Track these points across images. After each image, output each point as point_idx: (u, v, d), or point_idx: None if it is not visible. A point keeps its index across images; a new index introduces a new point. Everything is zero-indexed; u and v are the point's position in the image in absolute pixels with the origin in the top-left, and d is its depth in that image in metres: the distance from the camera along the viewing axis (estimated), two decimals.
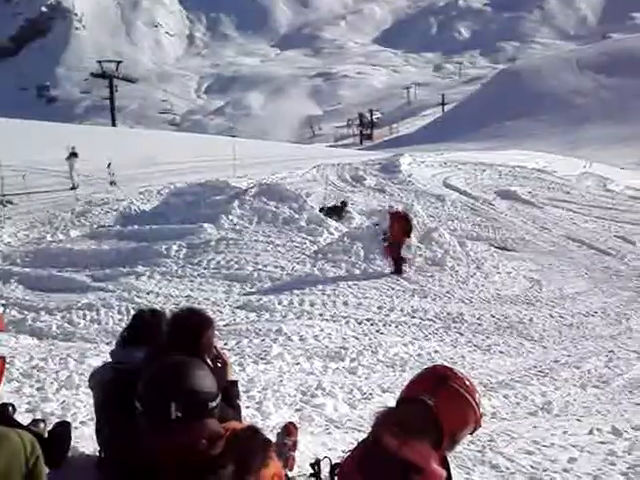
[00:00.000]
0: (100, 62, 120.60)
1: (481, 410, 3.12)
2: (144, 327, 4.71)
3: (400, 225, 18.64)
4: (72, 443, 4.76)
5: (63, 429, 4.61)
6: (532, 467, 6.86)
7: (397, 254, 18.46)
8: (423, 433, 2.96)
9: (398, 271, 18.22)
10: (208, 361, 4.10)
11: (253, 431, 2.76)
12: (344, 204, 24.63)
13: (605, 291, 19.28)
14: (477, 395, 3.12)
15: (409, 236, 18.94)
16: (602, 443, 7.98)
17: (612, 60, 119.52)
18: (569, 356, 13.61)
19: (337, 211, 23.78)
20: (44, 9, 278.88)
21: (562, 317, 16.37)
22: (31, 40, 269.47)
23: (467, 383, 3.12)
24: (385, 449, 2.90)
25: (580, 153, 63.87)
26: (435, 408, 3.00)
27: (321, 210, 23.07)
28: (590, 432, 8.41)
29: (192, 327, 4.19)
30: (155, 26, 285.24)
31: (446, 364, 11.75)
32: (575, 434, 8.35)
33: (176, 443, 2.58)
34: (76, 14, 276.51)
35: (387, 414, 3.09)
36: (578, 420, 9.48)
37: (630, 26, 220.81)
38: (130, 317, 5.32)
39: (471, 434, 3.16)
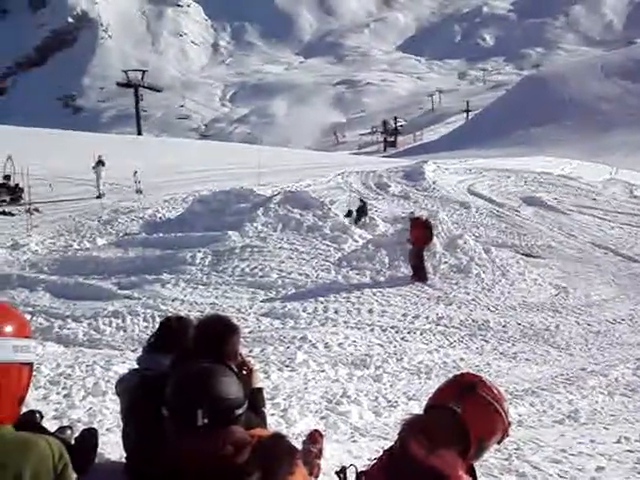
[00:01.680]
0: (126, 71, 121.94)
1: (509, 419, 3.09)
2: (171, 333, 4.72)
3: (420, 232, 18.58)
4: (99, 450, 4.78)
5: (90, 436, 4.64)
6: (559, 476, 6.80)
7: (417, 261, 18.41)
8: (450, 441, 2.94)
9: (419, 278, 18.17)
10: (234, 368, 4.12)
11: (279, 438, 2.76)
12: (362, 202, 24.72)
13: (632, 298, 19.10)
14: (505, 404, 3.10)
15: (429, 242, 18.85)
16: (630, 452, 7.90)
17: (638, 66, 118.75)
18: (596, 364, 13.49)
19: (360, 211, 23.91)
20: (70, 20, 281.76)
21: (589, 324, 16.24)
22: (57, 50, 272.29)
23: (495, 391, 3.09)
24: (412, 457, 2.89)
25: (606, 159, 63.47)
26: (463, 416, 2.98)
27: (347, 215, 23.17)
28: (618, 441, 8.33)
29: (218, 334, 4.19)
30: (180, 35, 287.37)
31: (473, 372, 11.69)
32: (603, 442, 8.28)
33: (202, 449, 2.59)
34: (102, 24, 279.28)
35: (414, 421, 3.07)
36: (606, 428, 9.39)
37: None
38: (155, 324, 5.34)
39: (498, 443, 3.14)
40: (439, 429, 2.97)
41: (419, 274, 18.22)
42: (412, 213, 20.20)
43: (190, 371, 2.77)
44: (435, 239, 19.72)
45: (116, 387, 4.94)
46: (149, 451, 3.09)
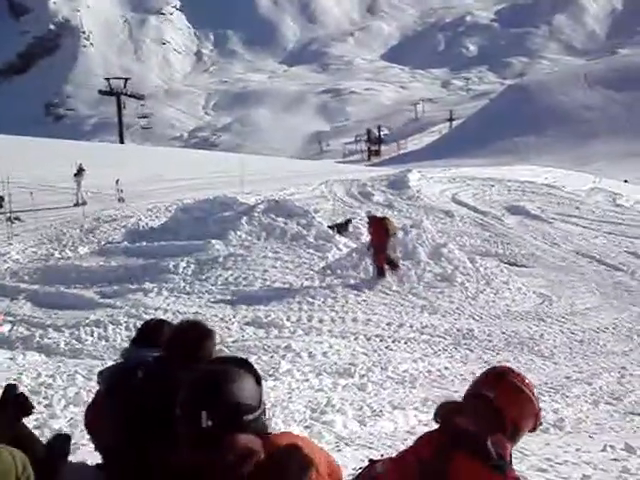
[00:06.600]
0: (108, 79, 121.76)
1: (539, 405, 3.34)
2: (152, 331, 4.64)
3: (378, 229, 18.62)
4: (73, 457, 4.68)
5: (62, 440, 4.54)
6: None
7: (381, 259, 18.40)
8: (487, 426, 3.13)
9: (381, 274, 18.20)
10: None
11: (293, 450, 2.60)
12: (348, 221, 24.56)
13: (616, 307, 19.15)
14: (535, 390, 3.34)
15: (389, 236, 18.74)
16: (615, 460, 7.89)
17: (621, 75, 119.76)
18: (580, 372, 13.51)
19: (342, 227, 23.75)
20: (52, 27, 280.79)
21: (573, 333, 16.24)
22: (39, 58, 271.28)
23: (525, 379, 3.33)
24: (465, 431, 3.10)
25: (589, 168, 63.90)
26: (496, 401, 3.19)
27: (330, 227, 23.06)
28: (603, 449, 8.32)
29: (192, 339, 4.14)
30: (163, 43, 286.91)
31: (457, 381, 11.67)
32: (588, 451, 8.26)
33: (203, 456, 2.50)
34: (84, 32, 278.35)
35: (453, 406, 3.29)
36: (591, 437, 9.39)
37: (639, 41, 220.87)
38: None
39: (532, 430, 3.37)
40: (476, 415, 3.15)
41: (381, 270, 18.27)
42: (369, 212, 20.07)
43: (206, 371, 2.72)
44: (421, 249, 19.74)
45: (98, 376, 4.84)
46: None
